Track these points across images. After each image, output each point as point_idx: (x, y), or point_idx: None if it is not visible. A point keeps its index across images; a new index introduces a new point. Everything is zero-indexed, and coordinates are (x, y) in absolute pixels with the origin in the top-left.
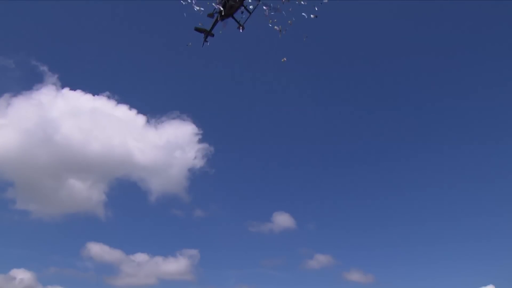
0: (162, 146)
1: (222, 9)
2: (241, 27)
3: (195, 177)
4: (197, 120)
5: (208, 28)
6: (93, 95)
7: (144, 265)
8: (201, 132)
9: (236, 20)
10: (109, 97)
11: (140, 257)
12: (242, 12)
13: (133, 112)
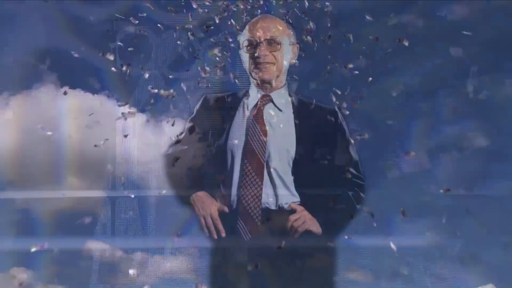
0: (161, 144)
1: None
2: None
3: None
4: None
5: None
6: (93, 94)
7: (144, 263)
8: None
9: None
10: (108, 96)
11: (140, 255)
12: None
13: (132, 110)
